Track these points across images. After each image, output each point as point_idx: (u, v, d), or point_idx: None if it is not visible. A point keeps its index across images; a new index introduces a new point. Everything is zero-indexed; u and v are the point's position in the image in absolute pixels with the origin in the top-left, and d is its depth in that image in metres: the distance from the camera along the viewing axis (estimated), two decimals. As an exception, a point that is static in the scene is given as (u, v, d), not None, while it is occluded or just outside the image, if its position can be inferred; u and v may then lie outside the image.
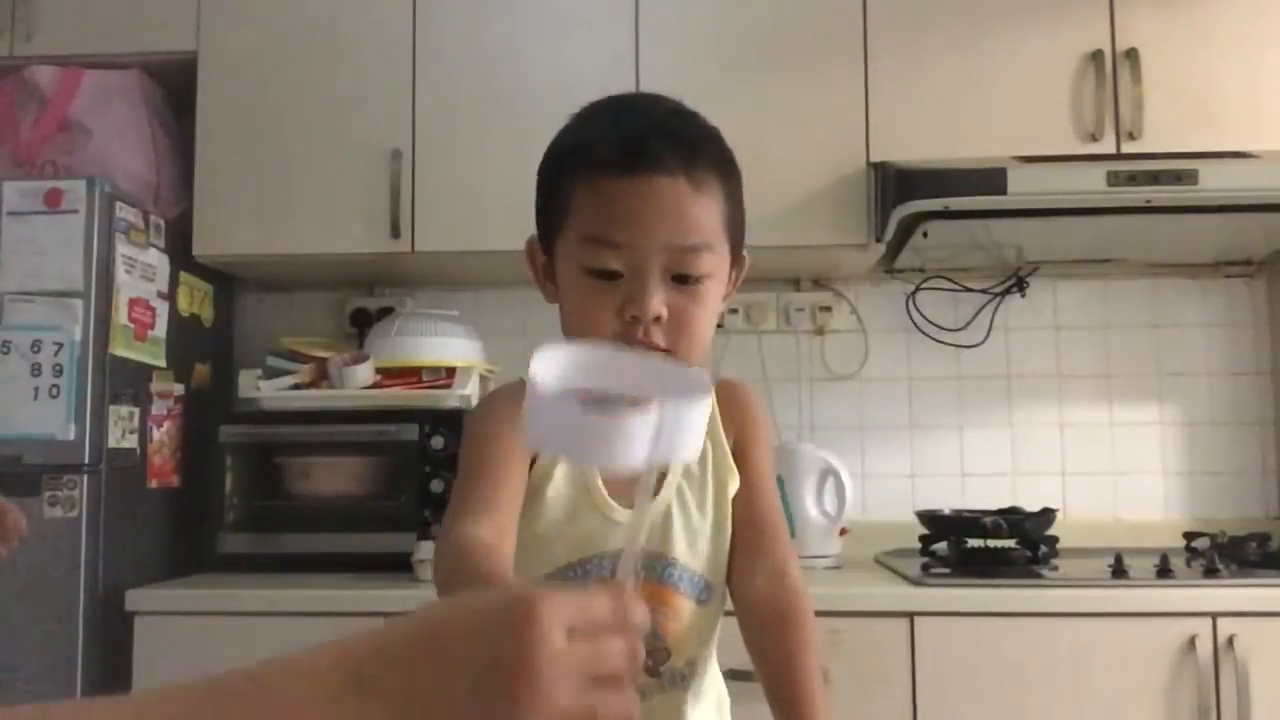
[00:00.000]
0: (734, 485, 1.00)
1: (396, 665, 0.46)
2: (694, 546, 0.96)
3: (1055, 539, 2.10)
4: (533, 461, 0.93)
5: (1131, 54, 2.11)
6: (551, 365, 0.59)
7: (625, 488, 0.92)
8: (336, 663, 0.46)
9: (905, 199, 2.03)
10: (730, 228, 0.92)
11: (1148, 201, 1.97)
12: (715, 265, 0.89)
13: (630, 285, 0.85)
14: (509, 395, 0.94)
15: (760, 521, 0.98)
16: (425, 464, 2.06)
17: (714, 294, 0.91)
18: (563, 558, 0.93)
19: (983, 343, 2.46)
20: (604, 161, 0.87)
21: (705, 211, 0.88)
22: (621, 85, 2.16)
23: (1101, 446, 2.43)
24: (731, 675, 1.08)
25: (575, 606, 0.47)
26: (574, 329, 0.90)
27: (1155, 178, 1.94)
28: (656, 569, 0.94)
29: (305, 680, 0.45)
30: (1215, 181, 1.94)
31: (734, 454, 1.00)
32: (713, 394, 0.98)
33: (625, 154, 0.86)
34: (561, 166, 0.91)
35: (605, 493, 0.93)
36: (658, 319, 0.86)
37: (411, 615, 0.48)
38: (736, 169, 0.94)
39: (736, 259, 0.95)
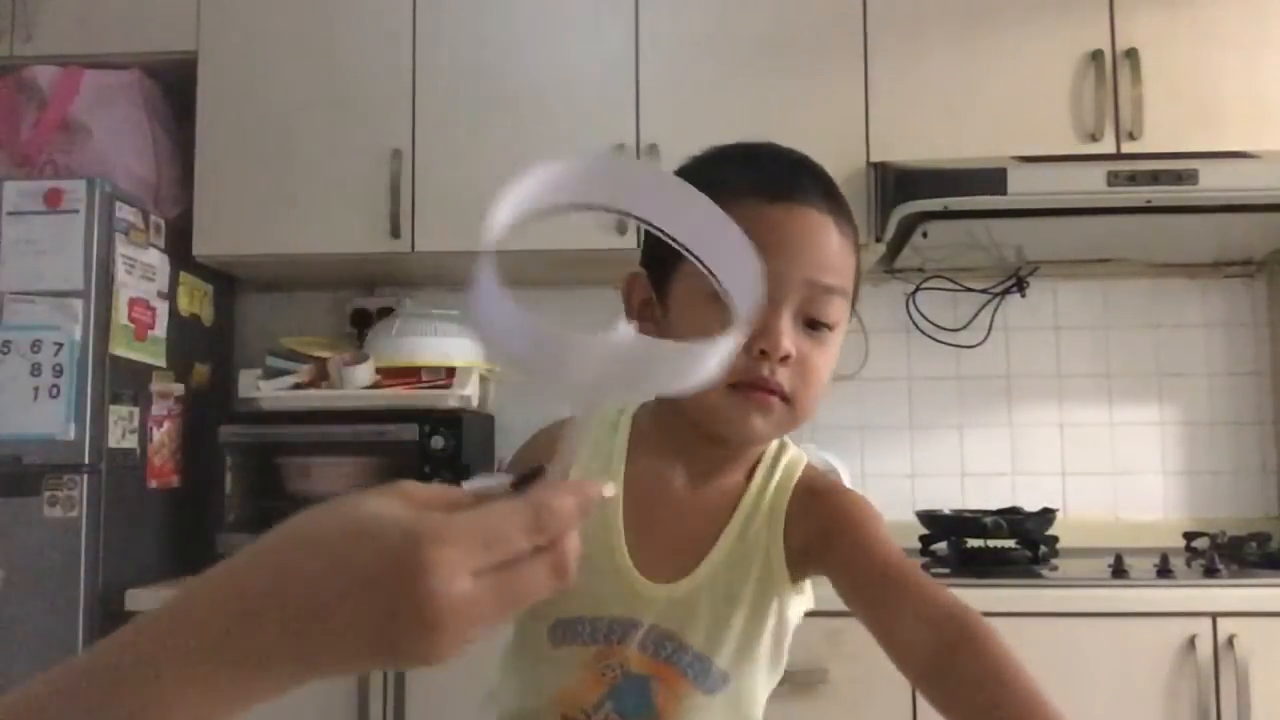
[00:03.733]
0: (791, 599, 0.88)
1: (278, 636, 0.41)
2: (716, 637, 0.86)
3: (1055, 539, 2.10)
4: None
5: (1131, 54, 2.11)
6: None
7: (652, 556, 0.86)
8: (199, 640, 0.41)
9: (905, 199, 2.03)
10: (855, 289, 0.88)
11: (1148, 201, 1.97)
12: (843, 317, 0.85)
13: (764, 317, 0.78)
14: (547, 439, 0.91)
15: (882, 580, 0.81)
16: (425, 464, 2.05)
17: (837, 348, 0.85)
18: (570, 612, 0.86)
19: (983, 343, 2.46)
20: (748, 188, 0.81)
21: (846, 256, 0.85)
22: (621, 85, 2.17)
23: (1101, 446, 2.43)
24: None
25: (476, 540, 0.41)
26: None
27: (1155, 178, 1.94)
28: (666, 648, 0.86)
29: (173, 664, 0.41)
30: (1215, 181, 1.94)
31: (806, 555, 0.86)
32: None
33: (773, 182, 0.83)
34: None
35: (629, 559, 0.86)
36: (785, 358, 0.80)
37: (273, 570, 0.43)
38: (859, 243, 0.90)
39: None
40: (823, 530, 0.86)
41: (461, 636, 0.41)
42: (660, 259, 0.87)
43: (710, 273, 0.55)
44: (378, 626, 0.40)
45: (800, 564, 0.87)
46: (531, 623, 0.89)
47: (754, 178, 0.83)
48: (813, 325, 0.82)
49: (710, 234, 0.54)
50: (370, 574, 0.40)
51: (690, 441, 0.87)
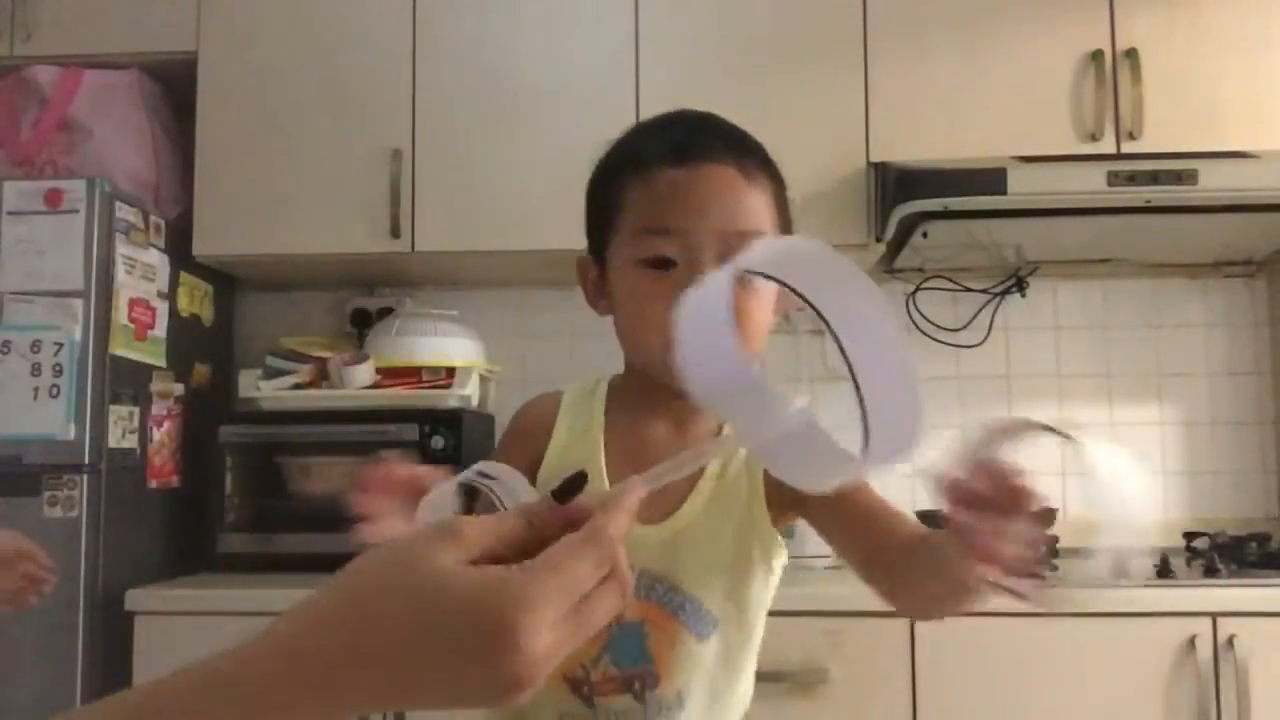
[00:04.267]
0: (775, 547, 0.91)
1: (370, 668, 0.43)
2: (704, 578, 0.90)
3: (1055, 539, 2.10)
4: (539, 464, 0.94)
5: (1131, 54, 2.11)
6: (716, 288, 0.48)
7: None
8: (297, 668, 0.43)
9: (905, 199, 2.03)
10: (781, 230, 0.91)
11: (1148, 201, 1.97)
12: None
13: (685, 272, 0.83)
14: (532, 411, 0.97)
15: (866, 514, 0.87)
16: (425, 464, 2.05)
17: (768, 290, 0.88)
18: None
19: (983, 343, 2.46)
20: (656, 156, 0.88)
21: (757, 201, 0.88)
22: (621, 85, 2.16)
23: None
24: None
25: (557, 594, 0.43)
26: (628, 327, 0.90)
27: (1155, 178, 1.94)
28: (658, 589, 0.89)
29: (268, 689, 0.42)
30: (1215, 181, 1.94)
31: (782, 491, 0.90)
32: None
33: (677, 147, 0.88)
34: (613, 172, 0.92)
35: None
36: None
37: (356, 619, 0.44)
38: (784, 183, 0.94)
39: None
40: (798, 495, 0.87)
41: (539, 681, 0.43)
42: (598, 235, 0.92)
43: (860, 398, 0.56)
44: (462, 678, 0.42)
45: (779, 504, 0.91)
46: None
47: (661, 145, 0.88)
48: None
49: (881, 362, 0.55)
50: (460, 636, 0.42)
51: (662, 396, 0.90)
